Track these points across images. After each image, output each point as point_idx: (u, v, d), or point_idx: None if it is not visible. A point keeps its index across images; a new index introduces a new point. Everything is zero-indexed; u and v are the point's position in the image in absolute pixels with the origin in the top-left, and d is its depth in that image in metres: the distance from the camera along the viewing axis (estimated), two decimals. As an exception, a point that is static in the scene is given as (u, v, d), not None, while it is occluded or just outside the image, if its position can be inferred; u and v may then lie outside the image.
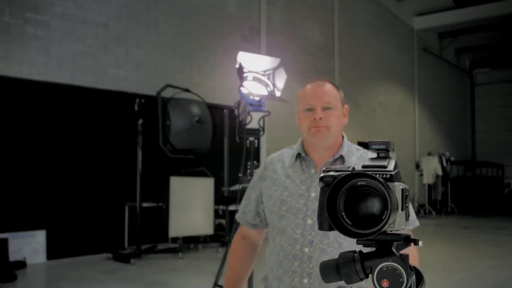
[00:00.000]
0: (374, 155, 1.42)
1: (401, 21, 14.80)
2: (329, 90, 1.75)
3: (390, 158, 0.80)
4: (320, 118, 1.69)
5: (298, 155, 1.78)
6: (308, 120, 1.72)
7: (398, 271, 0.74)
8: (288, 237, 1.68)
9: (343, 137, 1.81)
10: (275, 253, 1.74)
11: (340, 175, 0.77)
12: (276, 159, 1.86)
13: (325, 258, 1.39)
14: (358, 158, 1.74)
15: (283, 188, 1.73)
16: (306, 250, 1.64)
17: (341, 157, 1.73)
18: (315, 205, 1.61)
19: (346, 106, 1.81)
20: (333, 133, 1.72)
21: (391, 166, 0.78)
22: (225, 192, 8.18)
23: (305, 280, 1.63)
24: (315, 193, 1.66)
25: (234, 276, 1.88)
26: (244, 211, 1.89)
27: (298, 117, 1.81)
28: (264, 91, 4.91)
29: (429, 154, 14.09)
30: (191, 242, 7.29)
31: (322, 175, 0.86)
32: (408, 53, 15.26)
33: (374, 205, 0.75)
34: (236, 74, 4.85)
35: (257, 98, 4.83)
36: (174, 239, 7.18)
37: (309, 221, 1.65)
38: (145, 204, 6.98)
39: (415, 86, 15.51)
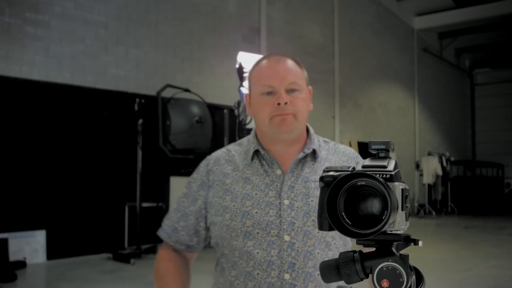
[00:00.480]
0: (343, 146, 1.46)
1: (401, 21, 14.81)
2: (292, 68, 1.38)
3: (390, 158, 0.80)
4: (286, 103, 1.32)
5: (256, 153, 1.40)
6: (269, 107, 1.34)
7: (398, 271, 0.74)
8: (258, 262, 1.28)
9: (307, 126, 1.46)
10: (237, 286, 1.31)
11: (340, 175, 0.77)
12: (223, 159, 1.45)
13: (312, 285, 1.26)
14: (330, 152, 1.44)
15: (243, 196, 1.33)
16: (287, 276, 1.26)
17: (314, 152, 1.40)
18: (291, 216, 1.29)
19: (310, 88, 1.45)
20: (300, 122, 1.36)
21: (391, 166, 0.78)
22: (225, 192, 8.18)
23: None
24: (288, 200, 1.31)
25: None
26: (175, 227, 1.45)
27: (251, 104, 1.41)
28: (264, 91, 4.92)
29: (429, 154, 14.09)
30: (191, 242, 7.29)
31: (322, 175, 0.86)
32: (408, 53, 15.26)
33: (374, 205, 0.75)
34: (236, 74, 4.86)
35: (257, 98, 4.84)
36: (174, 239, 7.18)
37: (286, 238, 1.28)
38: (145, 204, 6.98)
39: (415, 86, 15.52)
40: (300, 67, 1.42)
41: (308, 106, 1.41)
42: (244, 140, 1.49)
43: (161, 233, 1.50)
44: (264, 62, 1.41)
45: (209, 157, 1.50)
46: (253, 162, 1.39)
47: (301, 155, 1.37)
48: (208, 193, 1.41)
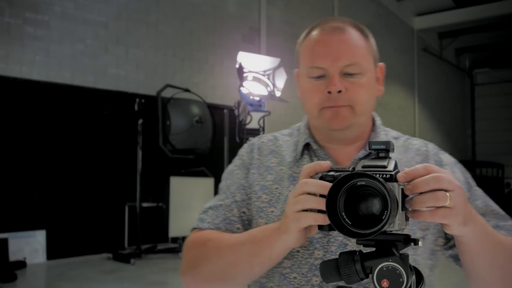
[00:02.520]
0: (418, 142, 1.13)
1: (401, 21, 14.81)
2: (353, 42, 1.03)
3: (390, 158, 0.80)
4: (340, 92, 1.01)
5: (307, 146, 1.12)
6: (319, 95, 1.03)
7: (398, 271, 0.74)
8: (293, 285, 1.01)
9: (372, 117, 1.14)
10: None
11: (340, 175, 0.77)
12: (267, 148, 1.17)
13: None
14: (400, 150, 1.11)
15: (285, 200, 1.04)
16: None
17: None
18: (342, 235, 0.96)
19: (381, 65, 1.11)
20: (361, 116, 1.05)
21: (391, 166, 0.78)
22: (225, 192, 8.18)
23: None
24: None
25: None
26: (223, 216, 1.12)
27: (299, 85, 1.12)
28: (264, 91, 4.91)
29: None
30: (191, 242, 7.28)
31: (321, 174, 0.86)
32: (408, 53, 15.26)
33: (374, 205, 0.75)
34: (236, 74, 4.86)
35: (257, 98, 4.84)
36: (174, 239, 7.18)
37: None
38: (145, 204, 6.98)
39: (415, 86, 15.52)
40: (365, 38, 1.07)
41: (374, 91, 1.08)
42: (295, 128, 1.19)
43: (201, 224, 1.15)
44: (316, 32, 1.06)
45: (252, 141, 1.22)
46: (302, 158, 1.10)
47: (361, 154, 1.07)
48: (249, 184, 1.13)
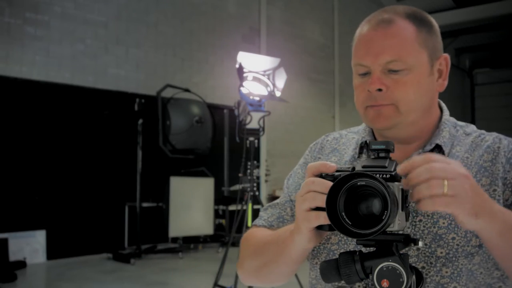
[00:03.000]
0: (492, 137, 1.04)
1: (401, 21, 14.80)
2: (397, 36, 0.97)
3: (390, 158, 0.80)
4: (380, 90, 0.96)
5: (365, 145, 1.08)
6: (362, 94, 1.00)
7: (398, 271, 0.74)
8: None
9: (441, 110, 1.10)
10: None
11: (340, 175, 0.77)
12: (330, 147, 1.14)
13: None
14: (469, 147, 1.03)
15: None
16: None
17: (437, 147, 1.02)
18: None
19: (445, 55, 1.05)
20: (407, 115, 0.98)
21: (391, 166, 0.78)
22: (225, 192, 8.18)
23: None
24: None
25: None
26: (278, 214, 1.13)
27: (354, 84, 1.06)
28: (264, 91, 4.91)
29: (429, 154, 14.08)
30: (191, 242, 7.29)
31: (322, 174, 0.86)
32: (408, 53, 15.26)
33: (374, 205, 0.75)
34: (236, 74, 4.85)
35: (257, 98, 4.84)
36: (174, 239, 7.18)
37: None
38: (145, 204, 6.99)
39: (415, 86, 15.53)
40: (419, 28, 0.99)
41: (426, 87, 1.00)
42: (361, 126, 1.14)
43: (258, 221, 1.14)
44: (365, 26, 1.03)
45: (318, 140, 1.18)
46: (361, 156, 1.07)
47: (418, 152, 1.01)
48: None
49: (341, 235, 1.01)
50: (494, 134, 1.07)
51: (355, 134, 1.14)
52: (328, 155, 1.12)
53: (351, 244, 1.01)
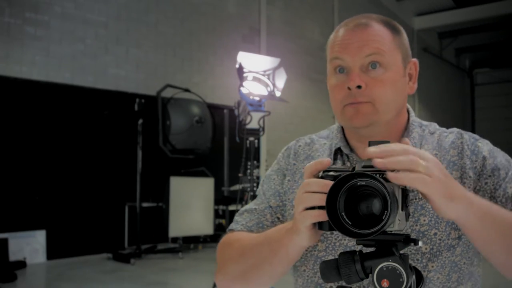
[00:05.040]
0: (453, 134, 1.07)
1: (401, 21, 14.80)
2: (376, 33, 1.00)
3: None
4: (359, 87, 0.98)
5: (338, 151, 1.10)
6: (341, 92, 1.01)
7: (398, 271, 0.74)
8: None
9: (408, 112, 1.11)
10: None
11: (340, 175, 0.77)
12: (304, 153, 1.15)
13: None
14: (435, 146, 1.07)
15: None
16: None
17: None
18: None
19: (414, 60, 1.07)
20: (383, 113, 1.00)
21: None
22: (225, 192, 8.18)
23: None
24: None
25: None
26: (257, 220, 1.13)
27: (328, 84, 1.07)
28: (264, 91, 4.91)
29: (429, 154, 14.08)
30: (191, 242, 7.30)
31: (321, 175, 0.86)
32: (408, 53, 15.26)
33: (374, 205, 0.75)
34: (236, 74, 4.85)
35: (257, 98, 4.84)
36: (174, 239, 7.18)
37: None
38: (145, 204, 6.99)
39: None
40: (393, 32, 1.02)
41: (401, 88, 1.03)
42: (332, 129, 1.16)
43: (235, 226, 1.14)
44: (341, 29, 1.04)
45: (289, 145, 1.19)
46: (336, 163, 1.07)
47: None
48: (284, 191, 1.13)
49: (328, 242, 1.05)
50: (455, 129, 1.12)
51: (325, 140, 1.15)
52: (303, 162, 1.13)
53: (338, 250, 1.03)
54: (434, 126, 1.14)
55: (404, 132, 1.07)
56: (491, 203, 0.91)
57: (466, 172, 1.03)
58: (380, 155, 0.76)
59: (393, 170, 0.75)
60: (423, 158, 0.77)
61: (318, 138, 1.17)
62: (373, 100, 0.98)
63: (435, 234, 0.99)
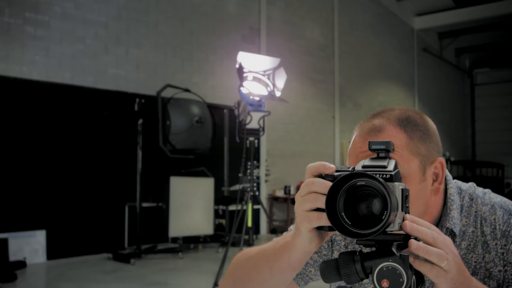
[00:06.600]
0: (487, 208, 1.03)
1: (401, 21, 14.80)
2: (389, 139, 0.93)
3: (390, 158, 0.80)
4: None
5: None
6: None
7: (398, 271, 0.74)
8: None
9: (446, 188, 1.07)
10: None
11: (340, 175, 0.77)
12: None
13: None
14: (472, 220, 1.06)
15: None
16: None
17: (448, 231, 1.04)
18: None
19: (440, 159, 1.02)
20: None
21: (391, 166, 0.78)
22: (225, 192, 8.18)
23: None
24: None
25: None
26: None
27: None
28: (264, 91, 4.91)
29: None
30: (191, 242, 7.29)
31: (321, 174, 0.85)
32: (408, 53, 15.26)
33: (374, 205, 0.75)
34: (236, 74, 4.86)
35: (257, 98, 4.84)
36: (174, 239, 7.18)
37: None
38: (145, 204, 6.99)
39: (415, 86, 15.52)
40: (410, 134, 0.99)
41: (421, 195, 1.00)
42: None
43: None
44: (357, 132, 1.04)
45: None
46: None
47: None
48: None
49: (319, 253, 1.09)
50: (487, 199, 1.08)
51: None
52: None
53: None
54: (473, 186, 1.10)
55: (443, 209, 1.05)
56: None
57: (496, 257, 1.03)
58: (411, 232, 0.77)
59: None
60: (448, 250, 0.79)
61: None
62: None
63: None
